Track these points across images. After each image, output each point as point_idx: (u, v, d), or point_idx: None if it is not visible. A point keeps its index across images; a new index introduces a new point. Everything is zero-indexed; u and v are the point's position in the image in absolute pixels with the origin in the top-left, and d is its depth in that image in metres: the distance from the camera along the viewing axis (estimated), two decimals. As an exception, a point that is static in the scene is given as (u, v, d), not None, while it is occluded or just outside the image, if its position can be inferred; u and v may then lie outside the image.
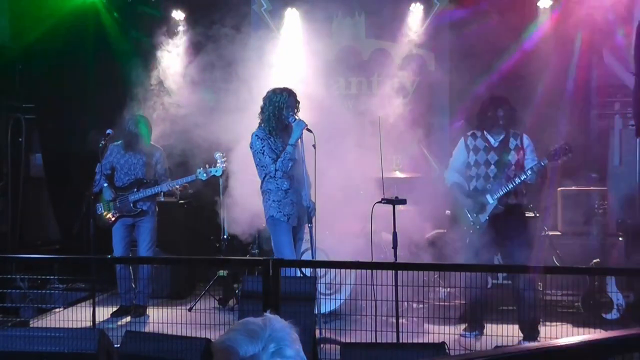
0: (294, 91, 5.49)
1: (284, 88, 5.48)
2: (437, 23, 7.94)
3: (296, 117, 5.39)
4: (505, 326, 5.38)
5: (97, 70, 7.78)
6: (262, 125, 5.44)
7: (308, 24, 7.82)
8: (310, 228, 5.41)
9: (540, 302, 5.96)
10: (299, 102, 5.47)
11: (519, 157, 5.49)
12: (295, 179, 5.46)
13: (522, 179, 5.36)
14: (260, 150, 5.37)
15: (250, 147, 5.46)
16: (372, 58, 8.13)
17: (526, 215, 5.86)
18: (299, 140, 5.34)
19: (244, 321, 1.67)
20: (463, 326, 5.69)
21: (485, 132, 5.59)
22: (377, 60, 8.05)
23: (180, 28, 8.05)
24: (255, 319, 1.66)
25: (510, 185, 5.39)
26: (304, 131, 5.32)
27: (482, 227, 5.53)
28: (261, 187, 5.52)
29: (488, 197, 5.49)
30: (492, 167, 5.52)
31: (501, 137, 5.54)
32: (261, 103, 5.49)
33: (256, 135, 5.41)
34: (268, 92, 5.48)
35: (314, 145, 5.29)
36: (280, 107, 5.36)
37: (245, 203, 6.31)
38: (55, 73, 7.82)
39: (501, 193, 5.43)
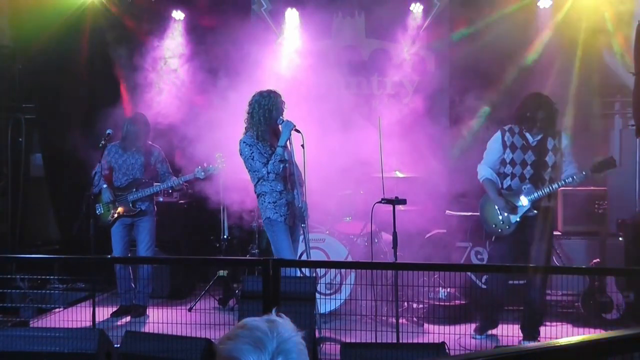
0: (279, 92, 5.48)
1: (269, 90, 5.47)
2: (437, 23, 7.93)
3: (283, 118, 5.40)
4: (505, 326, 5.39)
5: (96, 70, 7.78)
6: (250, 129, 5.42)
7: (308, 24, 7.82)
8: (304, 228, 5.42)
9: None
10: (284, 103, 5.46)
11: (557, 158, 5.31)
12: (288, 180, 5.46)
13: (561, 184, 5.20)
14: (250, 156, 5.36)
15: (240, 154, 5.45)
16: (372, 58, 8.13)
17: (551, 216, 5.51)
18: (288, 141, 5.34)
19: (250, 326, 1.60)
20: (470, 325, 5.61)
21: (523, 129, 5.38)
22: (377, 60, 8.05)
23: (180, 28, 8.04)
24: (261, 324, 1.60)
25: (547, 190, 5.21)
26: (293, 132, 5.33)
27: (511, 227, 5.37)
28: (255, 190, 5.52)
29: (522, 198, 5.30)
30: (529, 167, 5.32)
31: (539, 137, 5.32)
32: (247, 108, 5.45)
33: (244, 142, 5.39)
34: (254, 96, 5.44)
35: (302, 145, 5.31)
36: (270, 109, 5.35)
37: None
38: (55, 73, 7.82)
39: (536, 196, 5.25)
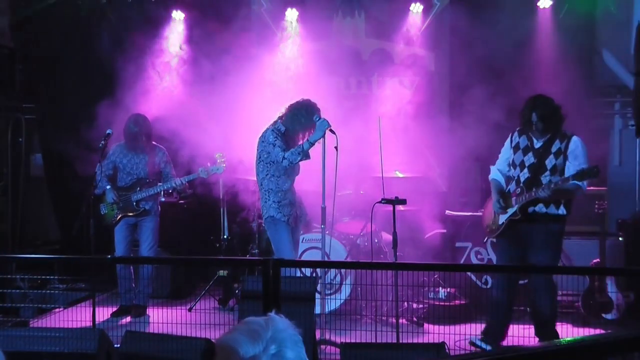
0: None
1: (316, 104, 5.46)
2: (437, 23, 7.93)
3: (320, 116, 5.38)
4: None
5: (96, 70, 7.78)
6: (283, 123, 5.45)
7: (308, 24, 7.82)
8: (323, 229, 5.42)
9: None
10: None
11: (557, 162, 5.02)
12: (294, 180, 5.47)
13: (547, 191, 4.84)
14: (273, 142, 5.38)
15: (262, 141, 5.45)
16: (372, 58, 8.12)
17: (555, 224, 5.12)
18: (322, 140, 5.23)
19: (247, 320, 1.67)
20: (470, 325, 5.53)
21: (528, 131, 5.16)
22: (377, 60, 8.04)
23: (180, 28, 8.04)
24: (259, 319, 1.66)
25: (529, 195, 4.97)
26: (327, 132, 5.24)
27: (498, 228, 5.24)
28: (261, 186, 5.52)
29: (514, 200, 5.11)
30: (525, 170, 5.11)
31: (545, 138, 5.07)
32: (290, 107, 5.46)
33: (272, 130, 5.44)
34: (305, 102, 5.44)
35: (336, 147, 5.25)
36: (310, 118, 5.35)
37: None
38: (55, 73, 7.82)
39: (523, 200, 5.01)
